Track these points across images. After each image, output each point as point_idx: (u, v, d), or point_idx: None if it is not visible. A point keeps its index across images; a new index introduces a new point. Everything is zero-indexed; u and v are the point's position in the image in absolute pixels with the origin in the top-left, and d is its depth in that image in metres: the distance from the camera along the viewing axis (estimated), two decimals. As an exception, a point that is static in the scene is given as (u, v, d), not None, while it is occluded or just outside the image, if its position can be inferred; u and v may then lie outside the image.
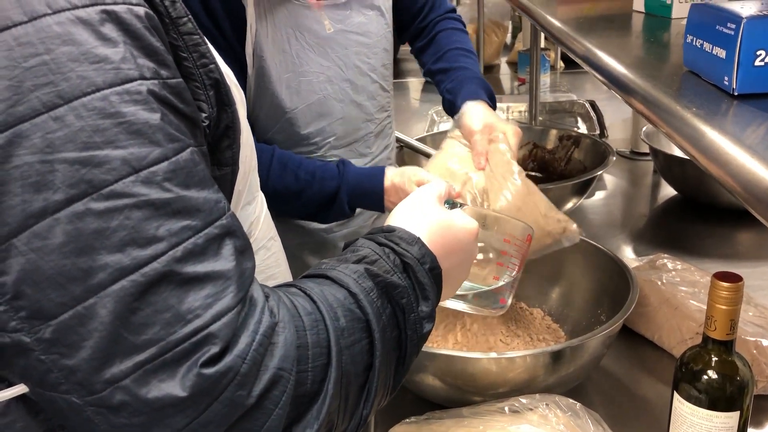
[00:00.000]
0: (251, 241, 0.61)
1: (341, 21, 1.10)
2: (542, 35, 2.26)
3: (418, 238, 0.63)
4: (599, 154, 1.60)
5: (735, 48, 0.64)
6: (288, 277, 0.76)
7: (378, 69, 1.19)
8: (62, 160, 0.41)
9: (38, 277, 0.42)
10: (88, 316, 0.42)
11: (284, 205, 1.07)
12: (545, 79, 2.58)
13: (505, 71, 3.11)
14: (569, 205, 1.52)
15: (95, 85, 0.42)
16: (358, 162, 1.18)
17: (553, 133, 1.73)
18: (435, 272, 0.63)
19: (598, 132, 1.93)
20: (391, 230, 0.64)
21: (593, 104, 2.17)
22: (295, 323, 0.50)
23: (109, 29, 0.43)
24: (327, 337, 0.52)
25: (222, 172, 0.56)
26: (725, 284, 0.69)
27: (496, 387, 0.92)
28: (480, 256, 0.83)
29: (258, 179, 0.69)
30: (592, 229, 1.59)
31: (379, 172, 1.07)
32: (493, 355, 0.92)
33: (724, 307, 0.70)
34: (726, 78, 0.66)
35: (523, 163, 1.72)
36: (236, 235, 0.49)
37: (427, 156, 1.59)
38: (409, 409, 0.95)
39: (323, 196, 1.07)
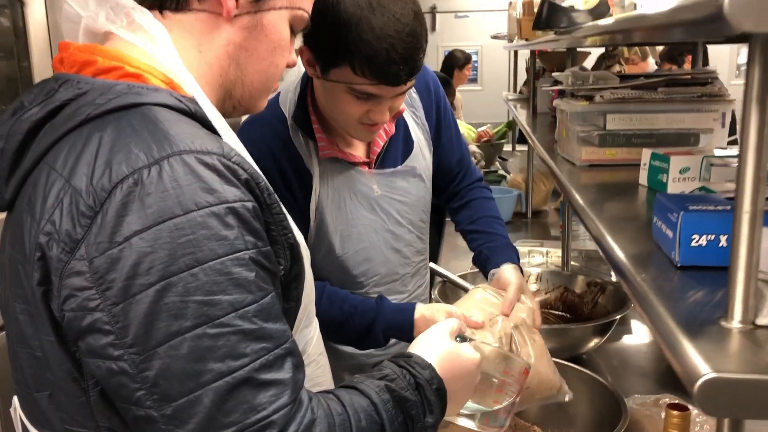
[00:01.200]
0: (305, 356, 0.84)
1: (387, 185, 1.36)
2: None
3: (430, 364, 0.85)
4: (621, 300, 1.79)
5: (676, 232, 0.86)
6: (331, 385, 0.97)
7: (415, 223, 1.43)
8: (193, 301, 0.64)
9: (169, 374, 0.65)
10: (196, 402, 0.65)
11: (330, 333, 1.30)
12: (586, 227, 2.79)
13: (552, 217, 3.35)
14: (591, 344, 1.70)
15: (218, 254, 0.66)
16: (396, 297, 1.40)
17: (581, 279, 1.94)
18: (441, 392, 0.84)
19: (627, 280, 2.12)
20: (409, 356, 0.86)
21: (627, 254, 2.36)
22: (328, 420, 0.72)
23: (230, 219, 0.67)
24: None
25: (289, 305, 0.80)
26: (675, 412, 0.88)
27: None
28: (484, 383, 1.03)
29: (314, 309, 0.92)
30: (614, 368, 1.76)
31: (410, 307, 1.28)
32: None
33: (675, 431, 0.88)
34: (672, 253, 0.88)
35: (553, 304, 1.92)
36: (295, 354, 0.71)
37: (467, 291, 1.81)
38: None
39: (362, 326, 1.29)
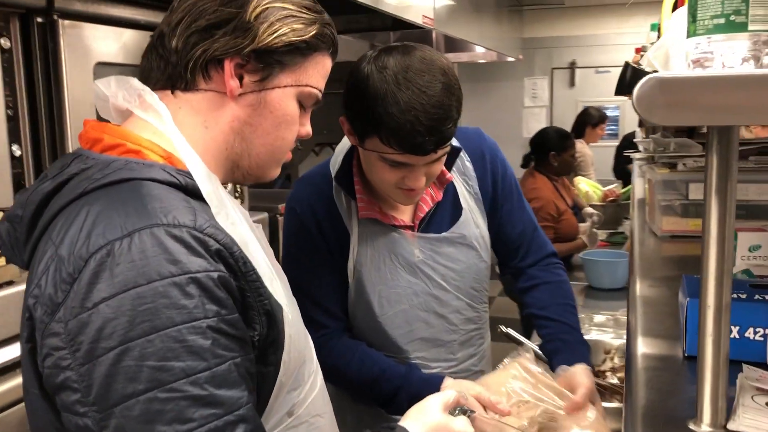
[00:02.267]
0: (293, 418, 0.86)
1: (431, 250, 1.35)
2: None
3: None
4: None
5: (685, 318, 0.81)
6: None
7: (464, 290, 1.39)
8: (147, 366, 0.68)
9: None
10: None
11: (360, 394, 1.33)
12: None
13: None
14: None
15: (174, 322, 0.69)
16: (442, 365, 1.38)
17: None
18: None
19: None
20: (393, 428, 0.86)
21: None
22: None
23: (191, 288, 0.70)
24: None
25: (267, 369, 0.82)
26: None
27: None
28: None
29: (307, 372, 0.92)
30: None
31: (437, 381, 1.26)
32: None
33: None
34: (682, 341, 0.82)
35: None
36: (248, 421, 0.73)
37: (544, 360, 1.75)
38: None
39: (388, 391, 1.29)
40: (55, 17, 1.68)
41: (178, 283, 0.70)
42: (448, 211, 1.38)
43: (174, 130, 0.82)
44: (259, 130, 0.87)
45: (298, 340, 0.86)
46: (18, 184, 1.65)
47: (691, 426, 0.64)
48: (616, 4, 6.64)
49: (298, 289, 1.35)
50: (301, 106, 0.90)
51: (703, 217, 0.62)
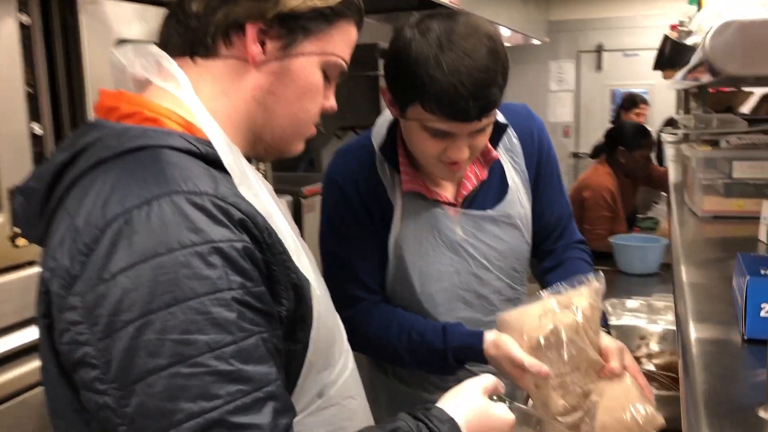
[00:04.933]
0: (323, 399, 0.82)
1: (474, 228, 1.30)
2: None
3: (451, 418, 0.79)
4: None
5: (744, 299, 0.75)
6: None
7: (506, 270, 1.34)
8: (169, 340, 0.64)
9: (144, 411, 0.64)
10: None
11: (404, 362, 1.29)
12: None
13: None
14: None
15: (197, 293, 0.65)
16: None
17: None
18: None
19: None
20: (428, 408, 0.81)
21: None
22: None
23: (214, 258, 0.66)
24: None
25: (296, 347, 0.78)
26: None
27: None
28: None
29: (337, 352, 0.87)
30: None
31: (479, 335, 1.20)
32: None
33: None
34: (741, 323, 0.76)
35: (675, 368, 1.75)
36: (278, 399, 0.69)
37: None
38: None
39: (433, 356, 1.25)
40: (75, -8, 1.64)
41: (200, 253, 0.66)
42: (493, 189, 1.32)
43: (193, 98, 0.78)
44: (282, 100, 0.82)
45: (327, 317, 0.82)
46: (39, 163, 1.62)
47: (762, 413, 0.59)
48: (644, -14, 6.50)
49: (337, 263, 1.31)
50: (326, 77, 0.85)
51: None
